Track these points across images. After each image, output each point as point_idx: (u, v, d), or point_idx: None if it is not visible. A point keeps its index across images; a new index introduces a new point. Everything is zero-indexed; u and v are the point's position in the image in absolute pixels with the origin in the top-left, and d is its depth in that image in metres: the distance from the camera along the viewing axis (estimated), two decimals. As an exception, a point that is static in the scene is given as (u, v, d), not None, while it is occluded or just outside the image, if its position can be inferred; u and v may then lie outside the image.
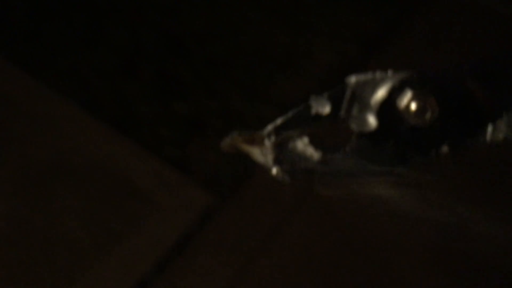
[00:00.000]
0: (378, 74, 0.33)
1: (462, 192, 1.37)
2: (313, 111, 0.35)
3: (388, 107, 0.32)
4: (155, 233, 1.28)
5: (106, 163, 1.35)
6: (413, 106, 0.31)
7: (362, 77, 0.33)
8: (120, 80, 1.58)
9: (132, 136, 1.44)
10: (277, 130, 0.36)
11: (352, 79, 0.33)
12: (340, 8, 1.85)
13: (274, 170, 0.38)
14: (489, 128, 0.30)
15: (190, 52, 1.65)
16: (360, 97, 0.33)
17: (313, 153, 0.36)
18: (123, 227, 1.27)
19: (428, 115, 0.31)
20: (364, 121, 0.33)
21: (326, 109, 0.34)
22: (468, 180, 1.42)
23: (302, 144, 0.36)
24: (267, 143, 0.37)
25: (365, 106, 0.33)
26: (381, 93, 0.32)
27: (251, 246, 1.32)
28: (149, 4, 1.76)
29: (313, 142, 0.36)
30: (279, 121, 0.37)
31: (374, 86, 0.33)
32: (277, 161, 0.37)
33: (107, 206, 1.29)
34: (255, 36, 1.73)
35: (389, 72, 0.33)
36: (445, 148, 0.30)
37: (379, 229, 1.30)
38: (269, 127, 0.37)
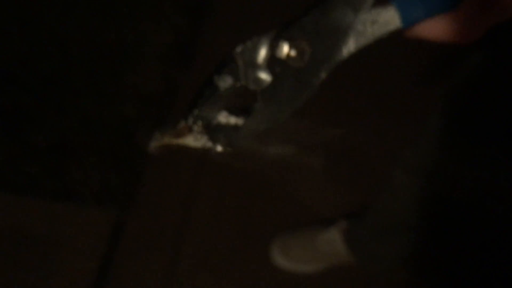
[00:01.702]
0: (256, 38, 0.38)
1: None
2: (220, 87, 0.38)
3: (273, 61, 0.37)
4: (70, 272, 1.21)
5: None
6: (293, 53, 0.37)
7: (246, 43, 0.38)
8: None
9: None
10: (196, 115, 0.39)
11: (238, 48, 0.38)
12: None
13: (219, 148, 0.40)
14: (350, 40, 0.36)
15: (20, 79, 1.55)
16: (249, 60, 0.37)
17: (237, 121, 0.39)
18: (33, 280, 1.18)
19: (306, 56, 0.37)
20: (259, 80, 0.38)
21: (228, 82, 0.38)
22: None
23: (224, 118, 0.39)
24: (196, 128, 0.39)
25: (255, 67, 0.37)
26: (263, 52, 0.37)
27: (169, 238, 1.31)
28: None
29: (231, 111, 0.40)
30: (192, 107, 0.39)
31: (256, 47, 0.38)
32: (214, 140, 0.40)
33: (10, 266, 1.19)
34: (86, 40, 1.67)
35: (264, 34, 0.38)
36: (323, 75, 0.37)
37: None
38: (189, 115, 0.39)
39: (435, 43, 0.36)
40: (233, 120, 0.40)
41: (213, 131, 0.40)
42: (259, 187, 1.34)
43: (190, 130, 0.40)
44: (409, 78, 1.37)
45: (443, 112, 0.93)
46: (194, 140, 0.40)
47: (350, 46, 0.36)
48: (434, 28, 0.35)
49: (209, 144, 0.40)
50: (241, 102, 0.39)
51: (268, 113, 0.39)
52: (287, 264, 1.23)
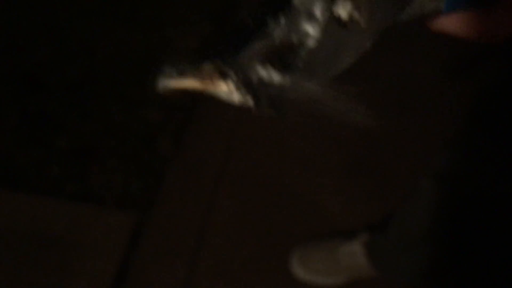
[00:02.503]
0: None
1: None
2: (274, 35, 0.32)
3: (332, 19, 0.32)
4: (89, 275, 1.21)
5: (10, 225, 1.24)
6: (356, 14, 0.32)
7: None
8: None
9: (20, 186, 1.34)
10: (236, 61, 0.32)
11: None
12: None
13: (263, 112, 0.33)
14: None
15: (47, 83, 1.57)
16: (306, 11, 0.32)
17: (280, 79, 0.33)
18: (52, 281, 1.18)
19: (365, 19, 0.33)
20: (308, 34, 0.32)
21: (283, 31, 0.32)
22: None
23: (265, 72, 0.32)
24: (233, 77, 0.31)
25: (310, 19, 0.32)
26: (322, 6, 0.32)
27: (188, 245, 1.30)
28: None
29: (272, 65, 0.33)
30: (231, 48, 0.32)
31: (315, 1, 0.32)
32: (257, 101, 0.32)
33: (30, 267, 1.19)
34: (112, 47, 1.68)
35: None
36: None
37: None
38: (225, 57, 0.31)
39: (461, 39, 0.35)
40: (276, 77, 0.33)
41: (256, 88, 0.33)
42: (280, 196, 1.32)
43: (223, 76, 0.33)
44: (435, 78, 1.34)
45: (473, 117, 0.90)
46: (228, 92, 0.32)
47: (402, 15, 0.34)
48: (464, 24, 0.34)
49: (250, 102, 0.33)
50: (278, 58, 0.33)
51: (314, 72, 0.34)
52: (307, 276, 1.21)
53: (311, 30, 0.33)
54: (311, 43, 0.34)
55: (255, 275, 1.25)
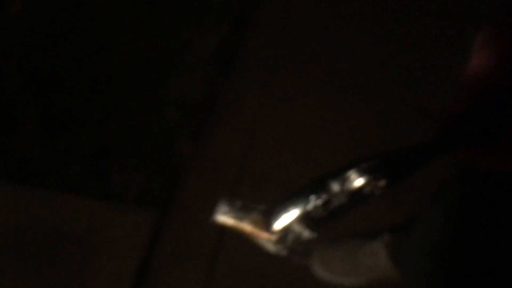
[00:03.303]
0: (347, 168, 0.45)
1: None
2: (310, 207, 0.43)
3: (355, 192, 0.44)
4: (108, 274, 1.21)
5: (31, 223, 1.25)
6: (376, 189, 0.45)
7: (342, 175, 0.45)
8: (6, 136, 1.47)
9: (42, 186, 1.35)
10: (286, 225, 0.42)
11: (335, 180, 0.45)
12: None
13: (293, 261, 0.42)
14: None
15: (67, 84, 1.57)
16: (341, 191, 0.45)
17: (308, 234, 0.43)
18: (73, 280, 1.18)
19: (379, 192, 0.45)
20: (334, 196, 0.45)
21: (320, 202, 0.44)
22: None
23: (300, 229, 0.43)
24: (276, 234, 0.42)
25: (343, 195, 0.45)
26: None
27: (207, 244, 1.29)
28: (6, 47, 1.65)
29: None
30: (284, 215, 0.42)
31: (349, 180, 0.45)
32: (292, 254, 0.43)
33: (51, 266, 1.19)
34: (132, 48, 1.68)
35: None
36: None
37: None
38: (275, 218, 0.42)
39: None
40: (307, 234, 0.43)
41: (291, 244, 0.42)
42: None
43: (268, 229, 0.43)
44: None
45: None
46: (267, 242, 0.43)
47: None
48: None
49: (283, 254, 0.43)
50: None
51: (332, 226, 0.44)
52: (328, 276, 1.19)
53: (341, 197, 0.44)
54: (336, 203, 0.44)
55: (275, 276, 1.24)
